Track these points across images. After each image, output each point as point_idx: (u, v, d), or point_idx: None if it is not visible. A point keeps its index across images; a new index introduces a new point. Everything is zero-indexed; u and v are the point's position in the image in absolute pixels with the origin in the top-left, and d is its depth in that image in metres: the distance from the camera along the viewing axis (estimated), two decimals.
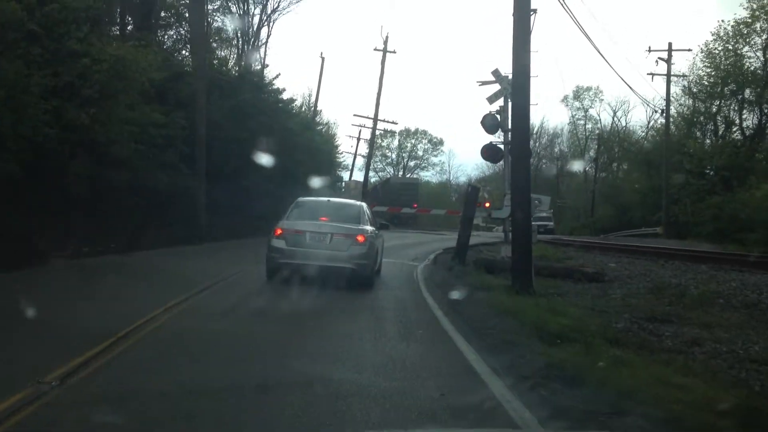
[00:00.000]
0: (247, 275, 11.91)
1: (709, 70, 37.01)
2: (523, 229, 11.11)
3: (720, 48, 35.69)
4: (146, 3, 22.10)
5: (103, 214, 15.10)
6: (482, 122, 15.35)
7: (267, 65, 33.46)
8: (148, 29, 21.29)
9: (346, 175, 53.81)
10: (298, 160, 27.38)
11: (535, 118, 60.99)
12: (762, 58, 35.02)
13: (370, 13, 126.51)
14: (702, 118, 39.48)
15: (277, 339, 6.78)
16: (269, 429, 4.37)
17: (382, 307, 9.35)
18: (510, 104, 15.87)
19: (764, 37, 34.68)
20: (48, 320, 6.75)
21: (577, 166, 61.07)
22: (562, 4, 13.74)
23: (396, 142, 77.34)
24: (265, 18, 35.21)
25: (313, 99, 44.22)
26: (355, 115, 71.53)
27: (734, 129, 38.08)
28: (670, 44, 36.81)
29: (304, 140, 29.54)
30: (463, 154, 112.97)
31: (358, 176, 51.55)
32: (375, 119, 44.36)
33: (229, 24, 33.11)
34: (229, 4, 32.64)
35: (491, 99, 17.02)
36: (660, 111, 38.20)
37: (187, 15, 24.26)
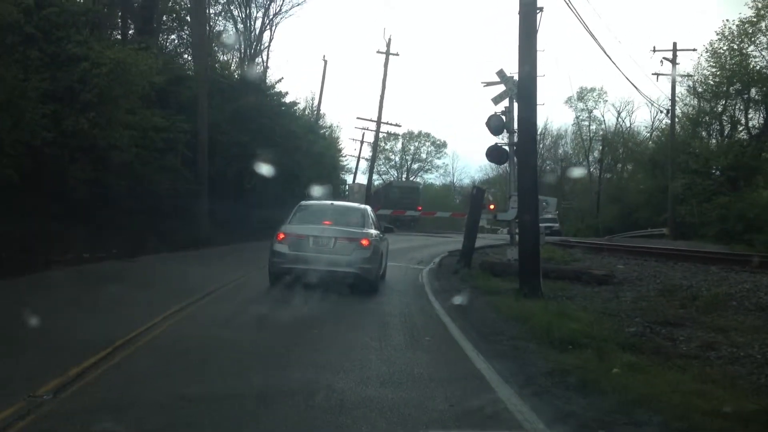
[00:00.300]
0: (250, 281, 11.76)
1: (714, 69, 36.81)
2: (531, 232, 11.01)
3: (725, 47, 35.47)
4: (147, 7, 22.06)
5: (103, 220, 14.99)
6: (487, 123, 15.17)
7: (269, 68, 33.47)
8: (149, 33, 21.24)
9: (349, 179, 53.77)
10: (301, 164, 27.29)
11: (539, 120, 60.51)
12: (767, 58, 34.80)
13: (372, 16, 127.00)
14: (707, 118, 39.22)
15: (279, 347, 6.61)
16: None
17: (388, 313, 9.15)
18: (515, 105, 15.72)
19: None
20: (46, 328, 6.65)
21: (577, 172, 60.78)
22: (567, 4, 13.51)
23: (399, 145, 77.61)
24: (267, 21, 35.16)
25: (315, 102, 44.34)
26: (358, 118, 71.29)
27: (740, 129, 37.88)
28: (674, 44, 36.79)
29: (307, 143, 29.45)
30: (467, 156, 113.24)
31: (362, 179, 51.47)
32: (378, 122, 44.35)
33: (231, 28, 33.11)
34: (231, 8, 32.64)
35: (496, 100, 16.83)
36: (665, 111, 38.06)
37: (188, 19, 24.19)
